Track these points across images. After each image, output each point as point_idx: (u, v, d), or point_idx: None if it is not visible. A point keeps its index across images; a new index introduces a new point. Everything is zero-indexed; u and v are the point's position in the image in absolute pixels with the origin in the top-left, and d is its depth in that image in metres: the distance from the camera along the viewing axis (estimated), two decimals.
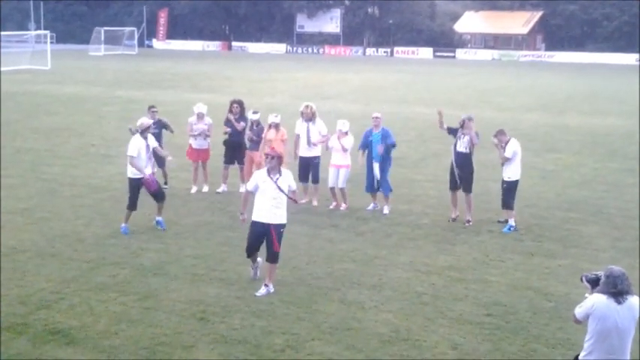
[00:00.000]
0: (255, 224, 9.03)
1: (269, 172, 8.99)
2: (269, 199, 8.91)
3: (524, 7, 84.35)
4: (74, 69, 48.37)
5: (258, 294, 8.92)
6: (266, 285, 9.01)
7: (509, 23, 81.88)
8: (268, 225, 8.93)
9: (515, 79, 47.90)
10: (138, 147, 11.33)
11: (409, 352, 7.51)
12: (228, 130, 14.10)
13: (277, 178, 8.95)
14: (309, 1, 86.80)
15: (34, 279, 9.31)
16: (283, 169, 9.15)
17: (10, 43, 61.23)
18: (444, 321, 8.27)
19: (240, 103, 14.22)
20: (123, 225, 11.47)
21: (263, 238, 9.05)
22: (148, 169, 11.51)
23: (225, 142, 14.29)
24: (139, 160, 11.34)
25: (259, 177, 9.07)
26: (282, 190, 8.96)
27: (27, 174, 15.57)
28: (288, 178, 9.10)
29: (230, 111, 14.16)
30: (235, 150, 14.18)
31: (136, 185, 11.51)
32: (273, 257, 9.03)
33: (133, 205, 11.53)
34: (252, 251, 9.26)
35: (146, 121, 11.72)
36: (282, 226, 9.04)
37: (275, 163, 9.01)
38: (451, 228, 12.06)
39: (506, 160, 11.97)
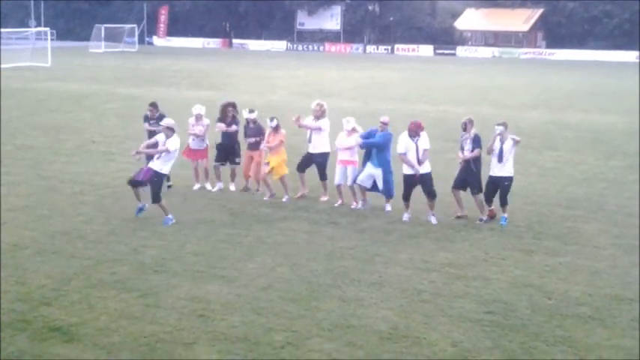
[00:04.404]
0: (405, 176, 12.26)
1: (411, 136, 12.03)
2: (413, 157, 12.02)
3: (525, 4, 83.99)
4: (74, 66, 48.37)
5: (431, 219, 12.10)
6: (433, 214, 12.19)
7: (509, 20, 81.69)
8: (419, 175, 12.07)
9: (515, 76, 47.86)
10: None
11: (409, 349, 7.53)
12: (223, 126, 13.89)
13: (417, 140, 12.00)
14: None
15: (34, 276, 9.32)
16: (422, 133, 12.07)
17: (10, 40, 61.34)
18: (444, 318, 8.28)
19: (234, 105, 14.14)
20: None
21: (414, 186, 12.26)
22: (151, 163, 12.13)
23: (218, 145, 14.18)
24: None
25: (405, 141, 12.08)
26: (418, 151, 12.02)
27: (27, 171, 15.57)
28: (424, 140, 12.08)
29: (225, 114, 13.98)
30: (227, 151, 14.07)
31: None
32: (430, 195, 12.27)
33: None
34: (407, 197, 12.33)
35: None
36: (428, 174, 12.20)
37: (413, 130, 12.01)
38: (451, 225, 12.06)
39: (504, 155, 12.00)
